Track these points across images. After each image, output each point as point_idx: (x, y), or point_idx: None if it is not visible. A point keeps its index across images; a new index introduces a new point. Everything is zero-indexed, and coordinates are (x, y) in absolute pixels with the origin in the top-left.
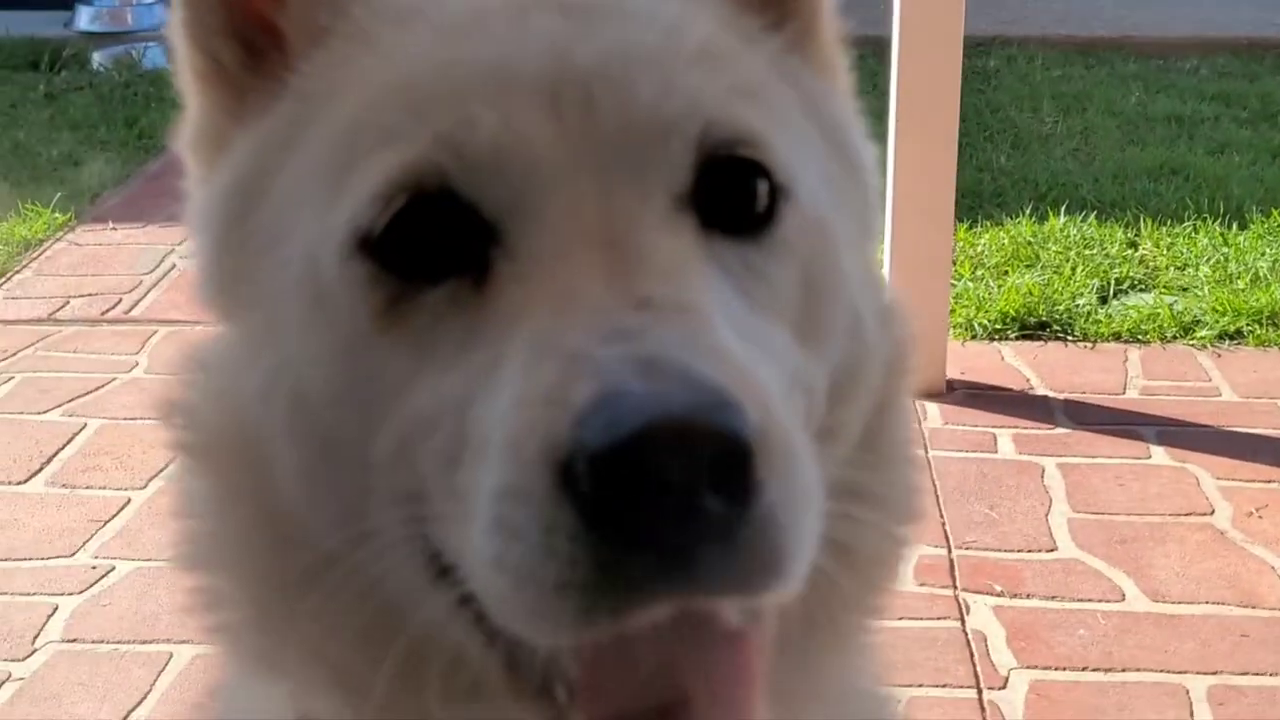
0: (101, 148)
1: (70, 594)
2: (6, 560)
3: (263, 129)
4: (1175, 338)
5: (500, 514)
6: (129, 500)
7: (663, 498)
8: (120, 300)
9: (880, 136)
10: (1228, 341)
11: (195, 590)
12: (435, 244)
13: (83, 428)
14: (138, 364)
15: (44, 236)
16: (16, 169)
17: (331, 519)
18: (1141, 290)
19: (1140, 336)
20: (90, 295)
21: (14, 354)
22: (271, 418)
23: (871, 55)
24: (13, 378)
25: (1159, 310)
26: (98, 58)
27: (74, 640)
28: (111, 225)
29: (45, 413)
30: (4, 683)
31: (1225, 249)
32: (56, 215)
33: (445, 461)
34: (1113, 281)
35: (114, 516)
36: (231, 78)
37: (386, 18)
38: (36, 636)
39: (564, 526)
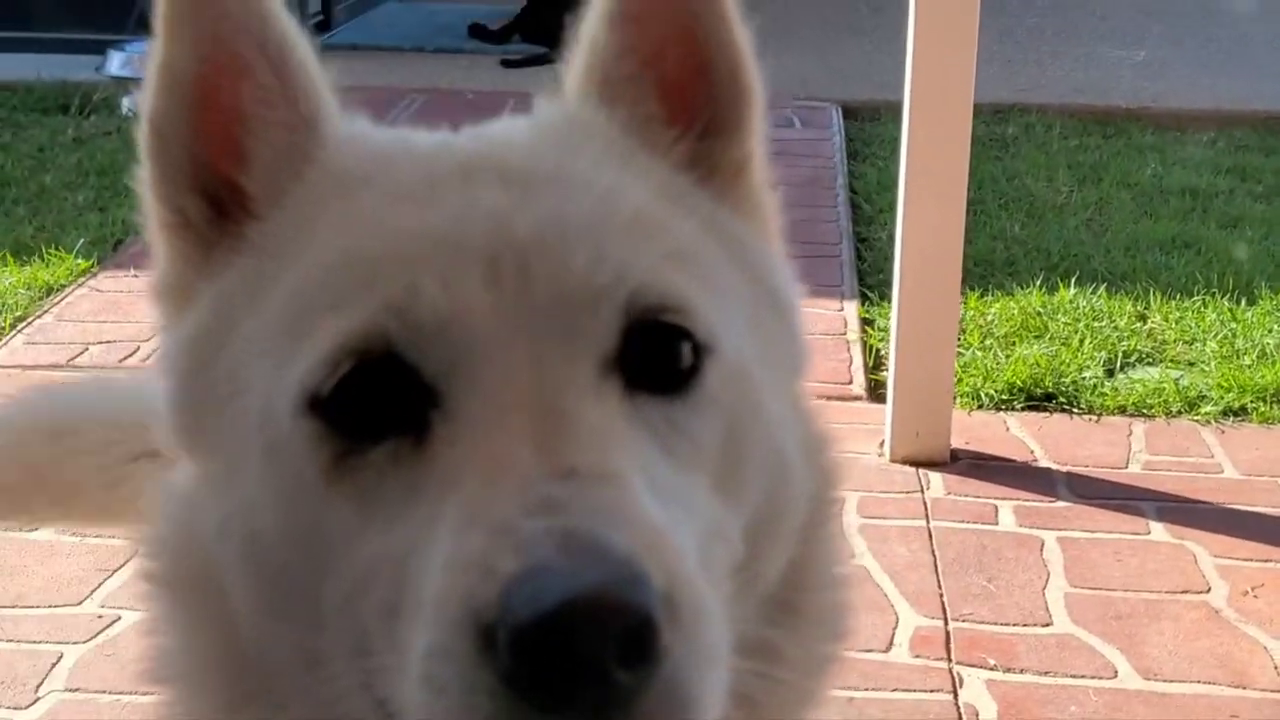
0: (127, 194)
1: (76, 642)
2: (14, 607)
3: (224, 283)
4: (1180, 413)
5: (428, 671)
6: (138, 550)
7: (575, 665)
8: (139, 348)
9: (892, 204)
10: (1232, 418)
11: (161, 703)
12: (379, 405)
13: None
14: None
15: (66, 282)
16: (42, 213)
17: (285, 653)
18: (1148, 364)
19: (1145, 410)
20: (109, 342)
21: None
22: (228, 554)
23: (890, 120)
24: None
25: (1164, 385)
26: (127, 103)
27: (77, 689)
28: (134, 272)
29: None
30: None
31: (1233, 324)
32: (79, 261)
33: (386, 613)
34: (1120, 354)
35: (122, 566)
36: (197, 232)
37: (340, 184)
38: (40, 684)
39: (485, 685)
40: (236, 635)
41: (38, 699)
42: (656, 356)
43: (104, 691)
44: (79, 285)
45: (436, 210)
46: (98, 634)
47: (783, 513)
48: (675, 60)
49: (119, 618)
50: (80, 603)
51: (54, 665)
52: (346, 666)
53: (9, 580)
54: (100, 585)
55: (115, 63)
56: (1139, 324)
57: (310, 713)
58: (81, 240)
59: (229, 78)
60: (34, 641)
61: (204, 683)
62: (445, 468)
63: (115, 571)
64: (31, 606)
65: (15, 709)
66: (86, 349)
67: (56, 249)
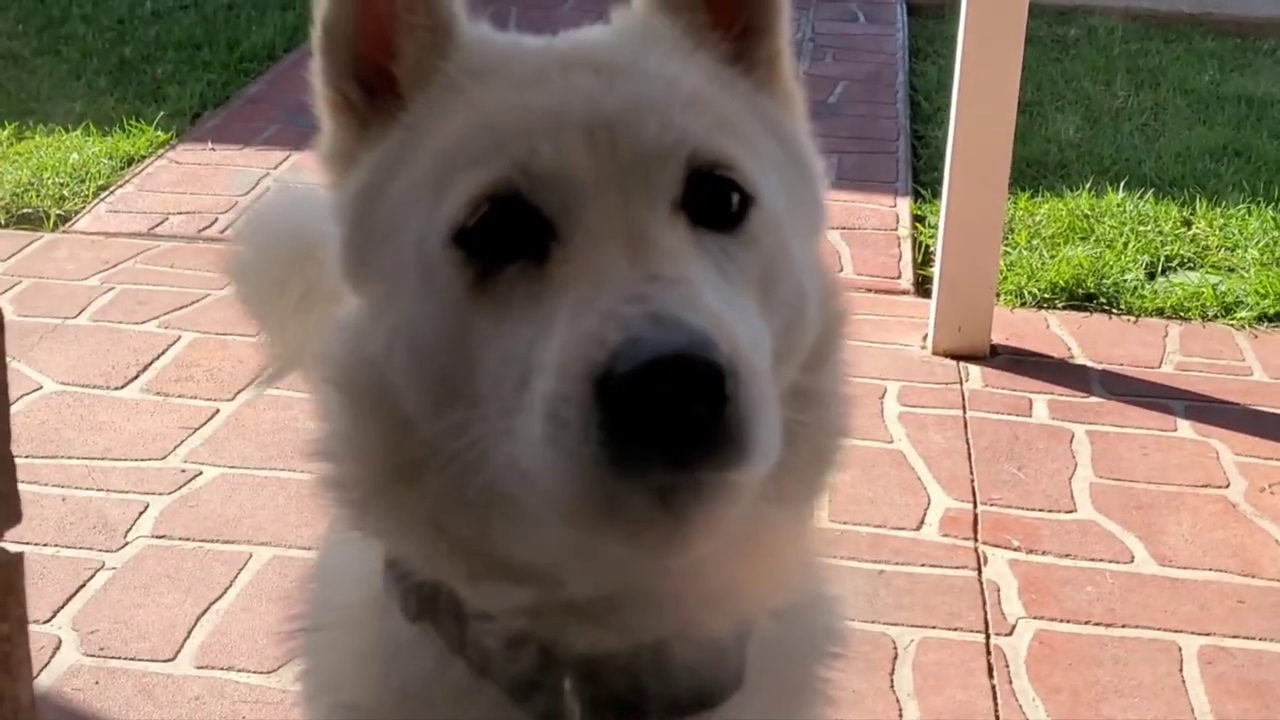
0: (204, 69)
1: (160, 494)
2: (104, 459)
3: (380, 151)
4: (1216, 317)
5: (553, 409)
6: (217, 410)
7: (666, 403)
8: (216, 220)
9: (946, 104)
10: (1266, 324)
11: (323, 479)
12: (509, 236)
13: (177, 340)
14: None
15: (146, 153)
16: (122, 84)
17: (441, 430)
18: (1189, 268)
19: (1182, 313)
20: (188, 213)
21: (115, 265)
22: (395, 365)
23: (954, 17)
24: (113, 288)
25: (1203, 289)
26: None
27: (162, 536)
28: (211, 146)
29: (143, 324)
30: (99, 571)
31: (1276, 232)
32: (159, 133)
33: (518, 387)
34: (1162, 258)
35: (203, 425)
36: (356, 111)
37: (470, 74)
38: (129, 531)
39: (597, 419)
40: (394, 426)
41: (126, 543)
42: (712, 201)
43: (188, 539)
44: (158, 157)
45: (545, 93)
46: (180, 487)
47: (798, 337)
48: None
49: (200, 472)
50: (164, 457)
51: (141, 514)
52: (490, 432)
53: (98, 434)
54: (183, 442)
55: None
56: (1183, 229)
57: (451, 483)
58: (161, 113)
59: None
60: (122, 491)
61: (364, 458)
62: (560, 279)
63: (196, 430)
64: (119, 459)
65: (106, 551)
66: (166, 218)
67: (137, 120)
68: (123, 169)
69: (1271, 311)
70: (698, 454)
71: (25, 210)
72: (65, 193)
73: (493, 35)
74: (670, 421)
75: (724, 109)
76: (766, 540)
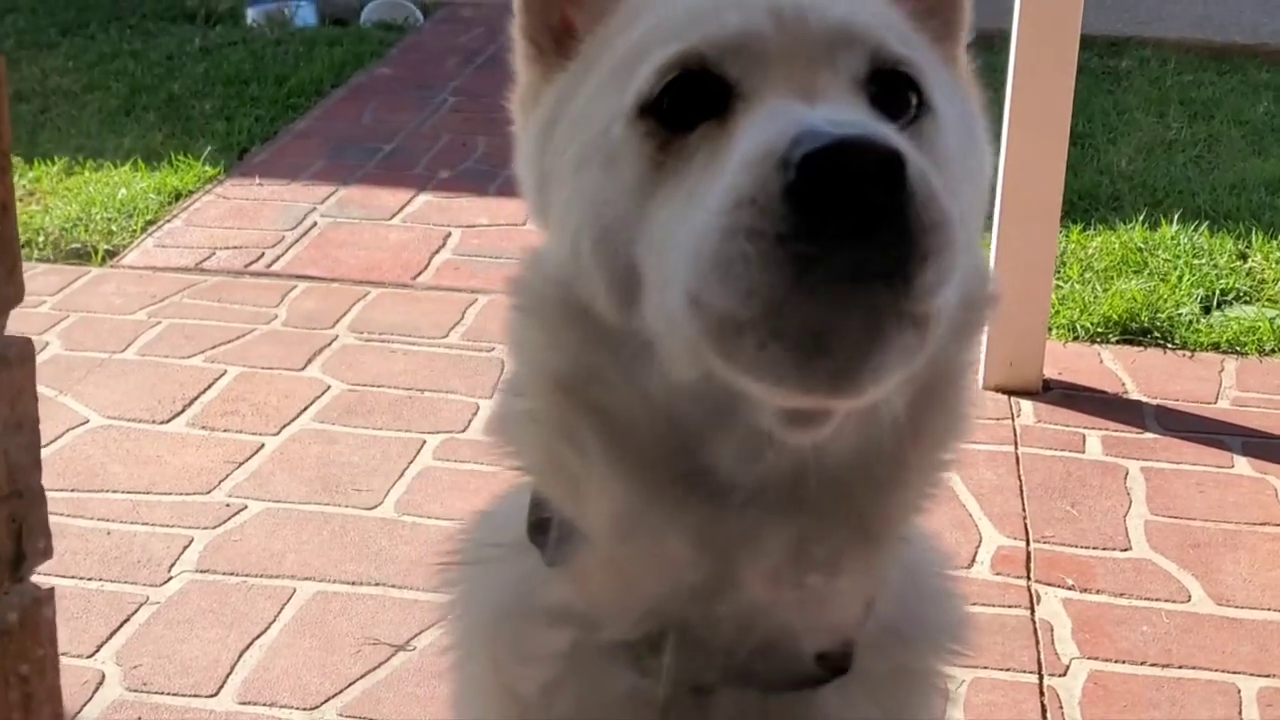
0: (252, 104)
1: (205, 528)
2: (149, 493)
3: (559, 84)
4: (1274, 351)
5: (736, 194)
6: (263, 445)
7: (848, 186)
8: (263, 254)
9: (996, 135)
10: None
11: (506, 415)
12: (695, 102)
13: (223, 374)
14: (277, 317)
15: (194, 188)
16: (171, 120)
17: (627, 307)
18: (1245, 302)
19: (1239, 348)
20: (235, 248)
21: (162, 300)
22: (580, 264)
23: (1003, 49)
24: (160, 322)
25: (1260, 323)
26: (251, 14)
27: (206, 571)
28: (258, 181)
29: (189, 358)
30: (142, 605)
31: None
32: (206, 168)
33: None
34: (1218, 292)
35: (248, 459)
36: (545, 58)
37: None
38: (173, 565)
39: (779, 198)
40: (584, 338)
41: (170, 578)
42: (893, 93)
43: (232, 573)
44: (206, 192)
45: None
46: (225, 521)
47: (945, 272)
48: None
49: (245, 507)
50: (209, 492)
51: (185, 548)
52: (665, 293)
53: (143, 469)
54: (227, 477)
55: None
56: (1239, 262)
57: (640, 393)
58: (209, 148)
59: None
60: (167, 526)
61: (547, 385)
62: (742, 126)
63: (241, 464)
64: (164, 494)
65: (150, 585)
66: (214, 253)
67: (185, 155)
68: (170, 204)
69: None
70: (883, 245)
71: (74, 245)
72: (113, 227)
73: None
74: (850, 206)
75: (911, 33)
76: (881, 506)
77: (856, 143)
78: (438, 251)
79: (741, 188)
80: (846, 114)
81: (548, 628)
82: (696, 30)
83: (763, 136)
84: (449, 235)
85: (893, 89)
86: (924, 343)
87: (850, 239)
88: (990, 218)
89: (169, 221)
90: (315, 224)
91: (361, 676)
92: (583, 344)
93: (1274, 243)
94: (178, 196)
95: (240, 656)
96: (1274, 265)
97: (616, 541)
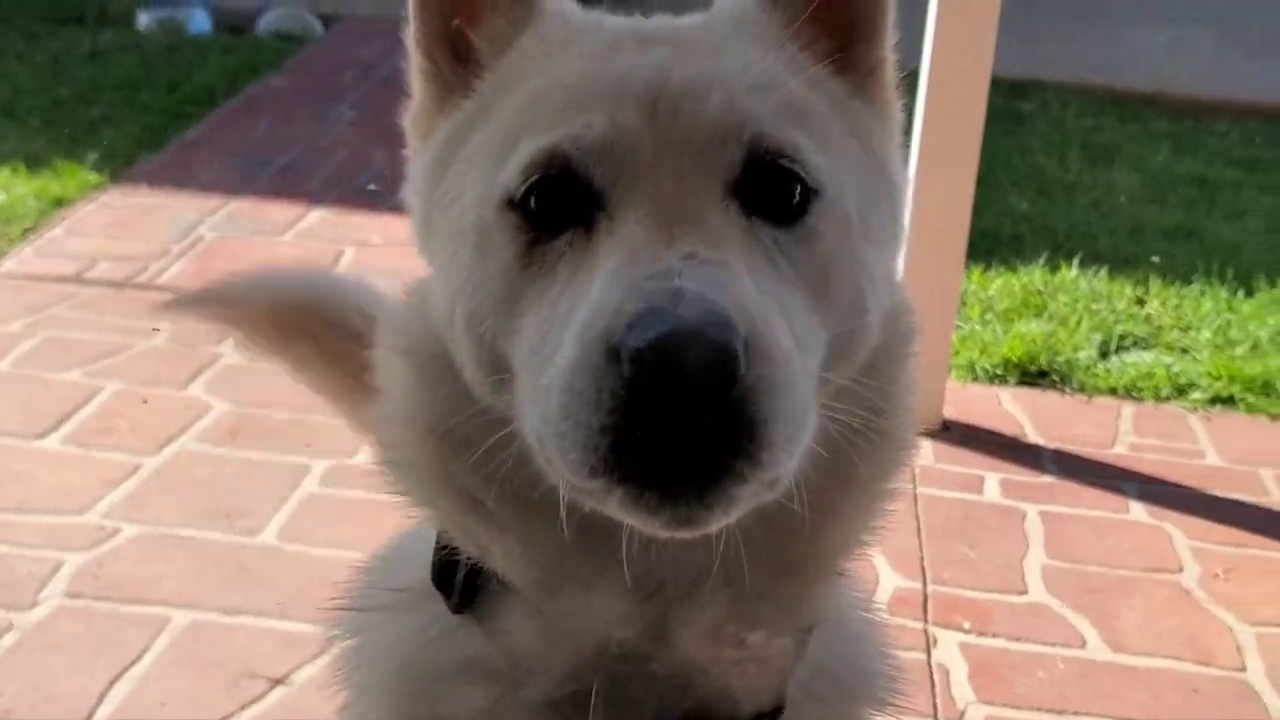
0: (142, 111)
1: (76, 550)
2: (18, 512)
3: (455, 120)
4: (1169, 398)
5: (568, 379)
6: (140, 465)
7: (673, 377)
8: (148, 267)
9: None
10: (1220, 406)
11: (383, 447)
12: (560, 205)
13: (100, 390)
14: (159, 332)
15: (77, 196)
16: (55, 125)
17: (494, 392)
18: (1142, 348)
19: (1135, 394)
20: (118, 259)
21: (40, 310)
22: (456, 330)
23: (907, 89)
24: (36, 334)
25: (1157, 369)
26: (143, 19)
27: (77, 595)
28: (145, 190)
29: (66, 372)
30: (7, 631)
31: (1229, 314)
32: (91, 176)
33: (549, 355)
34: (1116, 337)
35: (125, 480)
36: (442, 78)
37: (546, 46)
38: (41, 589)
39: (609, 387)
40: (452, 395)
41: (38, 602)
42: (771, 191)
43: (103, 599)
44: (90, 200)
45: (614, 64)
46: (98, 544)
47: (855, 343)
48: None
49: (119, 530)
50: (82, 513)
51: (55, 572)
52: (521, 400)
53: (14, 486)
54: (103, 497)
55: None
56: (1137, 308)
57: (489, 456)
58: (94, 155)
59: None
60: (36, 547)
61: (418, 424)
62: (603, 250)
63: (117, 485)
64: (34, 512)
65: (16, 610)
66: (95, 264)
67: (69, 162)
68: (51, 211)
69: (1225, 394)
70: (705, 434)
71: None
72: None
73: (576, 10)
74: (680, 401)
75: (801, 100)
76: (814, 553)
77: (688, 339)
78: (331, 269)
79: (578, 363)
80: (696, 276)
81: (465, 684)
82: (565, 123)
83: (606, 300)
84: (342, 253)
85: (773, 182)
86: (774, 486)
87: (682, 425)
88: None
89: (49, 230)
90: (203, 237)
91: (236, 711)
92: (461, 400)
93: (1171, 289)
94: (59, 204)
95: (110, 687)
96: (1171, 312)
97: (539, 594)
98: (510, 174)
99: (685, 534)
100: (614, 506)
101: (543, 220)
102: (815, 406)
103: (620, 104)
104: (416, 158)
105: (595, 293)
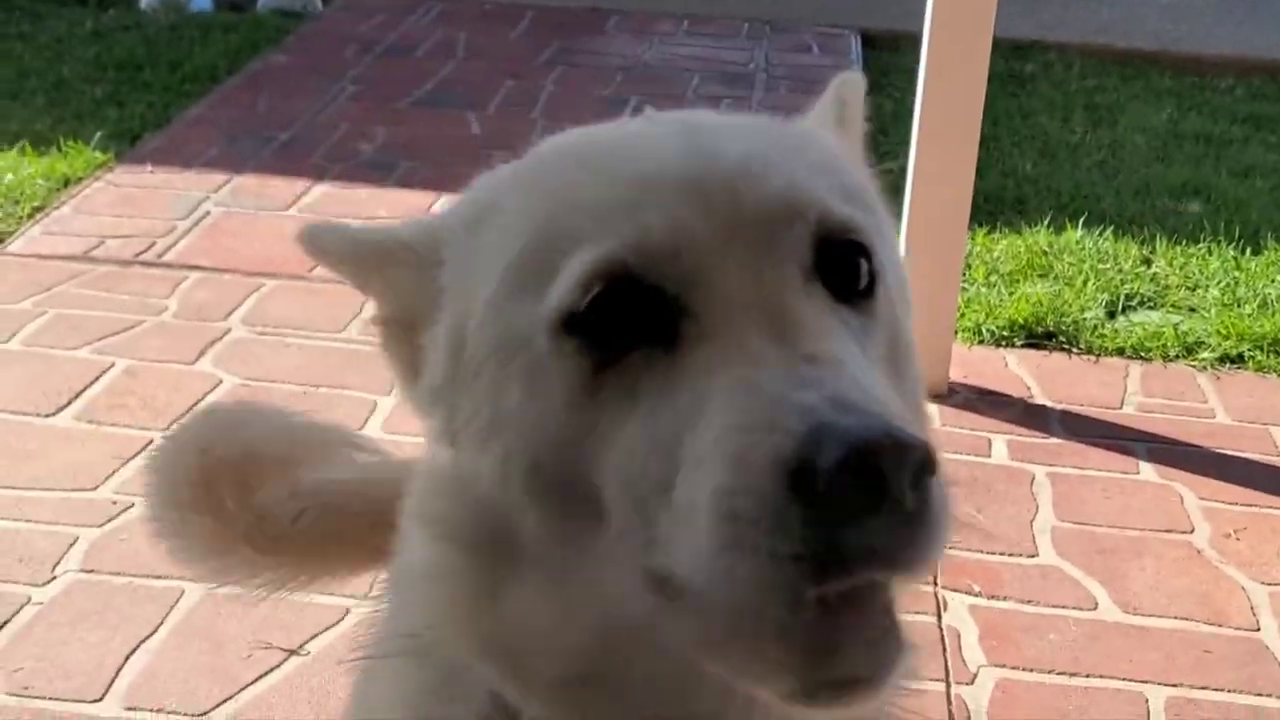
0: (145, 90)
1: (90, 526)
2: (32, 489)
3: (443, 319)
4: (1178, 357)
5: (729, 507)
6: (151, 440)
7: (874, 494)
8: (154, 244)
9: (906, 137)
10: (1228, 365)
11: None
12: (629, 320)
13: (111, 366)
14: (167, 308)
15: (83, 175)
16: (60, 104)
17: (567, 558)
18: (1150, 308)
19: (1143, 353)
20: (125, 237)
21: (49, 289)
22: (510, 493)
23: (910, 50)
24: (46, 312)
25: (1164, 329)
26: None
27: (91, 570)
28: (150, 168)
29: (76, 349)
30: (24, 606)
31: (1236, 273)
32: (97, 154)
33: (660, 488)
34: (1122, 297)
35: (136, 455)
36: (409, 346)
37: (507, 188)
38: (57, 564)
39: (795, 515)
40: (506, 575)
41: (54, 577)
42: (843, 270)
43: (118, 573)
44: (96, 178)
45: (642, 156)
46: (111, 519)
47: (920, 418)
48: None
49: (132, 504)
50: (95, 488)
51: (70, 547)
52: (626, 544)
53: (26, 464)
54: (115, 473)
55: None
56: (1143, 267)
57: (565, 611)
58: (99, 134)
59: None
60: (50, 523)
61: (469, 619)
62: (700, 360)
63: (129, 460)
64: (48, 490)
65: (33, 585)
66: (103, 242)
67: (75, 141)
68: (59, 191)
69: (1233, 352)
70: (903, 549)
71: None
72: None
73: (492, 177)
74: (878, 514)
75: (852, 178)
76: None
77: (880, 447)
78: None
79: (740, 490)
80: (837, 385)
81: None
82: (615, 229)
83: (753, 422)
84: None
85: (843, 261)
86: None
87: (862, 527)
88: (899, 218)
89: (57, 209)
90: (208, 213)
91: (253, 681)
92: (508, 567)
93: (1178, 248)
94: (66, 183)
95: (126, 660)
96: (1178, 271)
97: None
98: (564, 290)
99: (843, 711)
100: (783, 653)
101: (610, 339)
102: None
103: (669, 199)
104: (419, 392)
105: (725, 409)
